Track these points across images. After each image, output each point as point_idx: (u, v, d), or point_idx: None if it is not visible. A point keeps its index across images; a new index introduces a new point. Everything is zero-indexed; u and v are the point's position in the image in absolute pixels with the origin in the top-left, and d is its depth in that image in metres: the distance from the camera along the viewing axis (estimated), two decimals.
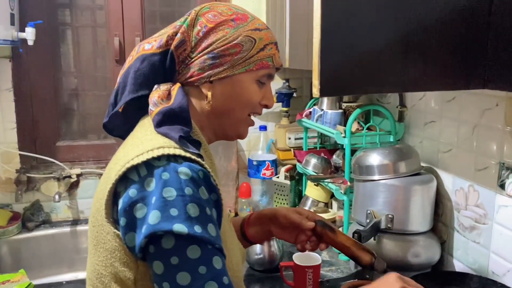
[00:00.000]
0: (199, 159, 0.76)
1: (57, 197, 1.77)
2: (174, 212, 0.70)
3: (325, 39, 0.74)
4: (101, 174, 1.91)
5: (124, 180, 0.75)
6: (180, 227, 0.69)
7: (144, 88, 0.85)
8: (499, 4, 0.79)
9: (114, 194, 0.76)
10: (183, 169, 0.73)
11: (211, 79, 0.84)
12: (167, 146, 0.76)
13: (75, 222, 1.90)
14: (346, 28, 0.77)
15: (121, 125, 0.92)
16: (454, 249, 1.33)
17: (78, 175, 1.88)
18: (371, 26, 0.78)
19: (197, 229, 0.70)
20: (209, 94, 0.85)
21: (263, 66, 0.86)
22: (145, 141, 0.78)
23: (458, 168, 1.30)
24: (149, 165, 0.74)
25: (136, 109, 0.88)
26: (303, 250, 1.06)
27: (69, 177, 1.86)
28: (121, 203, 0.74)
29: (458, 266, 1.32)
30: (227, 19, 0.84)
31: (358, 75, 0.78)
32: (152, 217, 0.70)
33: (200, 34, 0.84)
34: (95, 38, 1.93)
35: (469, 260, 1.28)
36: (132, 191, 0.73)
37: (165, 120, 0.80)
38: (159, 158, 0.74)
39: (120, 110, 0.88)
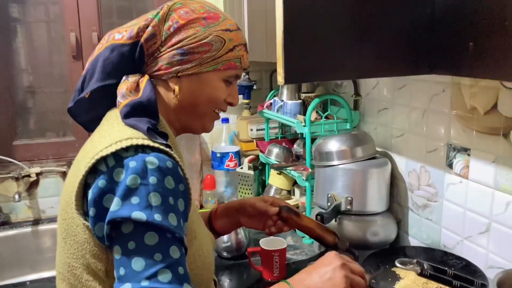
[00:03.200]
0: (167, 149, 0.78)
1: (17, 196, 1.74)
2: (135, 200, 0.71)
3: (287, 31, 0.79)
4: (62, 172, 1.88)
5: (93, 171, 0.76)
6: (139, 215, 0.71)
7: (112, 77, 0.86)
8: None
9: (84, 186, 0.77)
10: (151, 159, 0.74)
11: (179, 74, 0.86)
12: (135, 137, 0.77)
13: (36, 222, 1.86)
14: (306, 20, 0.82)
15: (86, 111, 0.92)
16: (409, 227, 1.43)
17: (38, 174, 1.84)
18: (328, 20, 0.83)
19: (157, 217, 0.71)
20: (177, 88, 0.87)
21: (231, 67, 0.88)
22: (113, 133, 0.79)
23: (410, 151, 1.39)
24: (118, 156, 0.75)
25: (102, 97, 0.88)
26: (270, 234, 1.12)
27: (28, 176, 1.82)
28: (90, 194, 0.75)
29: (413, 242, 1.42)
30: (199, 17, 0.86)
31: (318, 63, 0.83)
32: (113, 204, 0.72)
33: (171, 29, 0.85)
34: (49, 34, 1.89)
35: (423, 236, 1.37)
36: (101, 182, 0.74)
37: (132, 112, 0.81)
38: (127, 149, 0.75)
39: (86, 96, 0.88)
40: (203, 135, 2.04)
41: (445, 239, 1.28)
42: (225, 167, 1.92)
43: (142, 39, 0.85)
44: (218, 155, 1.93)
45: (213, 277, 1.00)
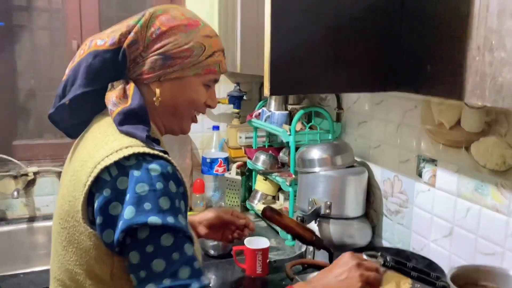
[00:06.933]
0: (166, 156, 0.82)
1: (15, 193, 1.82)
2: (147, 206, 0.76)
3: (273, 52, 0.93)
4: (58, 172, 1.97)
5: (96, 181, 0.79)
6: (154, 219, 0.75)
7: (95, 83, 0.89)
8: (407, 25, 1.00)
9: (89, 195, 0.80)
10: (153, 166, 0.79)
11: (161, 79, 0.89)
12: (134, 145, 0.80)
13: (32, 219, 1.94)
14: (290, 43, 0.96)
15: (67, 117, 0.94)
16: (383, 231, 1.55)
17: (35, 173, 1.93)
18: (308, 43, 0.98)
19: (170, 219, 0.76)
20: (158, 91, 0.90)
21: (210, 72, 0.93)
22: (110, 142, 0.83)
23: (386, 161, 1.52)
24: (120, 165, 0.78)
25: (83, 103, 0.91)
26: (231, 240, 1.25)
27: (26, 175, 1.91)
28: (96, 203, 0.79)
29: (386, 245, 1.53)
30: (180, 24, 0.89)
31: (298, 79, 0.97)
32: (127, 212, 0.76)
33: (154, 35, 0.88)
34: (52, 41, 1.99)
35: (394, 240, 1.49)
36: (106, 191, 0.78)
37: (126, 120, 0.85)
38: (128, 157, 0.78)
39: (66, 103, 0.90)
40: (195, 141, 2.15)
41: (414, 242, 1.40)
42: (214, 172, 2.03)
43: (125, 45, 0.87)
44: (208, 160, 2.04)
45: None
